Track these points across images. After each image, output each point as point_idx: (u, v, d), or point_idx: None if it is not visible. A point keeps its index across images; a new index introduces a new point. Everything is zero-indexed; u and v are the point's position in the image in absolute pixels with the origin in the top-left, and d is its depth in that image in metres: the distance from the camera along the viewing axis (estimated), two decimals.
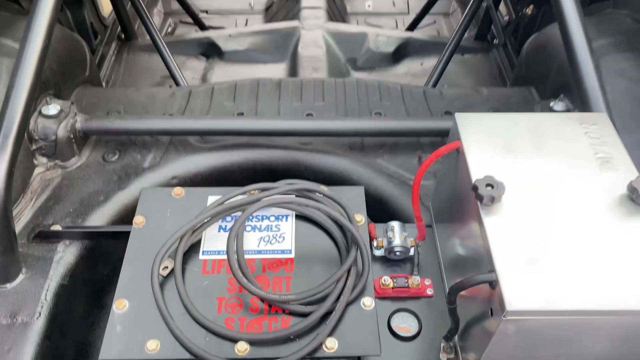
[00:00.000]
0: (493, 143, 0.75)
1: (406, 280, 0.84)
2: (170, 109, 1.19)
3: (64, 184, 1.02)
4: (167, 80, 1.61)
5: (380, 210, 1.05)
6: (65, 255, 0.92)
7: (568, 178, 0.71)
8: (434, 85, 1.42)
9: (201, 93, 1.23)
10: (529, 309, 0.58)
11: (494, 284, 0.61)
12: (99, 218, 0.97)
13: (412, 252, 0.87)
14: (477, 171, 0.70)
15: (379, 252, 0.88)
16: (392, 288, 0.83)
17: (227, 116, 1.16)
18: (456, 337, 0.77)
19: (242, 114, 1.17)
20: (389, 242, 0.86)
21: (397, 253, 0.86)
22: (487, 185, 0.67)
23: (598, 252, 0.62)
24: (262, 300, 0.73)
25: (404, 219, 0.95)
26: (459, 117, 0.78)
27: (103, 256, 0.82)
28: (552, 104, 1.07)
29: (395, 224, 0.87)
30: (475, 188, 0.66)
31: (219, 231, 0.81)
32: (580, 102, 0.91)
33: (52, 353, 0.85)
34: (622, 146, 0.74)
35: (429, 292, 0.84)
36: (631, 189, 0.67)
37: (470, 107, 1.20)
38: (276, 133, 1.09)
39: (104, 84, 1.59)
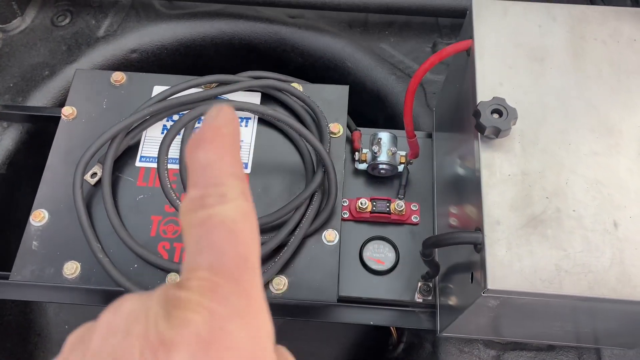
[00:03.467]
0: (517, 46, 0.55)
1: (388, 204, 0.70)
2: None
3: (3, 51, 0.86)
4: None
5: (377, 108, 0.88)
6: (3, 139, 0.80)
7: (610, 104, 0.52)
8: None
9: None
10: (516, 290, 0.44)
11: (478, 247, 0.47)
12: (43, 97, 0.83)
13: (401, 169, 0.72)
14: (484, 89, 0.52)
15: (362, 166, 0.72)
16: (371, 212, 0.69)
17: None
18: (436, 278, 0.65)
19: None
20: (374, 157, 0.70)
21: (382, 171, 0.71)
22: (494, 111, 0.49)
23: (624, 216, 0.46)
24: None
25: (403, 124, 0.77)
26: (477, 4, 0.57)
27: (50, 141, 0.69)
28: None
29: (383, 135, 0.71)
30: (476, 114, 0.49)
31: (163, 132, 0.67)
32: None
33: None
34: None
35: (415, 219, 0.70)
36: None
37: None
38: (260, 1, 0.88)
39: None
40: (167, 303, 0.21)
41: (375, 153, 0.70)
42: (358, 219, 0.70)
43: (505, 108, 0.48)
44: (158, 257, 0.58)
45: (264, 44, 0.90)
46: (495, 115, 0.48)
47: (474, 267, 0.48)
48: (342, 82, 0.76)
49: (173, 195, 0.58)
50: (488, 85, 0.52)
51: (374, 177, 0.73)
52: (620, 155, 0.49)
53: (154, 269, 0.59)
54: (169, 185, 0.58)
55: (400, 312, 0.66)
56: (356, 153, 0.72)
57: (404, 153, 0.71)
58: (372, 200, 0.69)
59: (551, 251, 0.45)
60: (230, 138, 0.25)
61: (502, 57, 0.54)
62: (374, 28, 0.91)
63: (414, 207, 0.71)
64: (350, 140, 0.73)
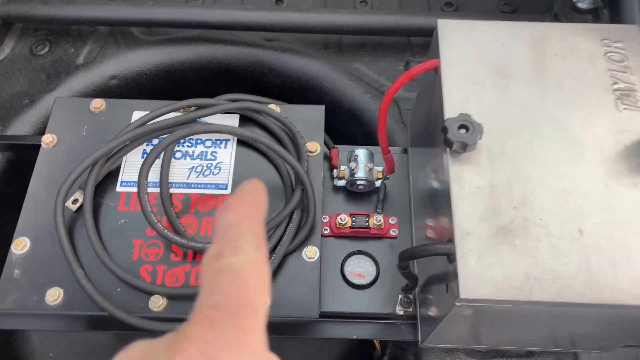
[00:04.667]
0: (482, 64, 0.57)
1: (367, 219, 0.71)
2: None
3: None
4: None
5: (354, 126, 0.90)
6: None
7: (572, 116, 0.54)
8: None
9: None
10: (488, 298, 0.46)
11: (451, 258, 0.48)
12: (23, 125, 0.84)
13: (378, 184, 0.74)
14: (451, 105, 0.54)
15: (340, 183, 0.74)
16: (350, 228, 0.71)
17: (178, 2, 0.96)
18: (416, 290, 0.67)
19: None
20: (351, 174, 0.72)
21: (360, 187, 0.73)
22: (461, 127, 0.51)
23: (588, 223, 0.48)
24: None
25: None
26: (442, 25, 0.59)
27: (30, 169, 0.70)
28: None
29: (360, 152, 0.72)
30: (444, 130, 0.51)
31: (143, 157, 0.68)
32: (609, 2, 0.70)
33: None
34: None
35: (393, 232, 0.72)
36: None
37: None
38: (237, 26, 0.90)
39: None
40: (172, 339, 0.24)
41: (353, 170, 0.72)
42: (338, 234, 0.71)
43: (471, 123, 0.50)
44: (141, 280, 0.59)
45: (242, 67, 0.92)
46: (462, 131, 0.51)
47: (449, 278, 0.50)
48: (320, 102, 0.78)
49: (154, 218, 0.59)
50: (455, 102, 0.54)
51: (353, 193, 0.74)
52: (583, 164, 0.51)
53: (137, 292, 0.59)
54: (149, 209, 0.59)
55: (383, 325, 0.67)
56: (334, 170, 0.74)
57: (380, 169, 0.73)
58: (351, 215, 0.71)
59: (520, 259, 0.47)
60: (252, 204, 0.30)
61: (468, 74, 0.56)
62: (349, 49, 0.94)
63: (392, 221, 0.72)
64: (328, 158, 0.75)
